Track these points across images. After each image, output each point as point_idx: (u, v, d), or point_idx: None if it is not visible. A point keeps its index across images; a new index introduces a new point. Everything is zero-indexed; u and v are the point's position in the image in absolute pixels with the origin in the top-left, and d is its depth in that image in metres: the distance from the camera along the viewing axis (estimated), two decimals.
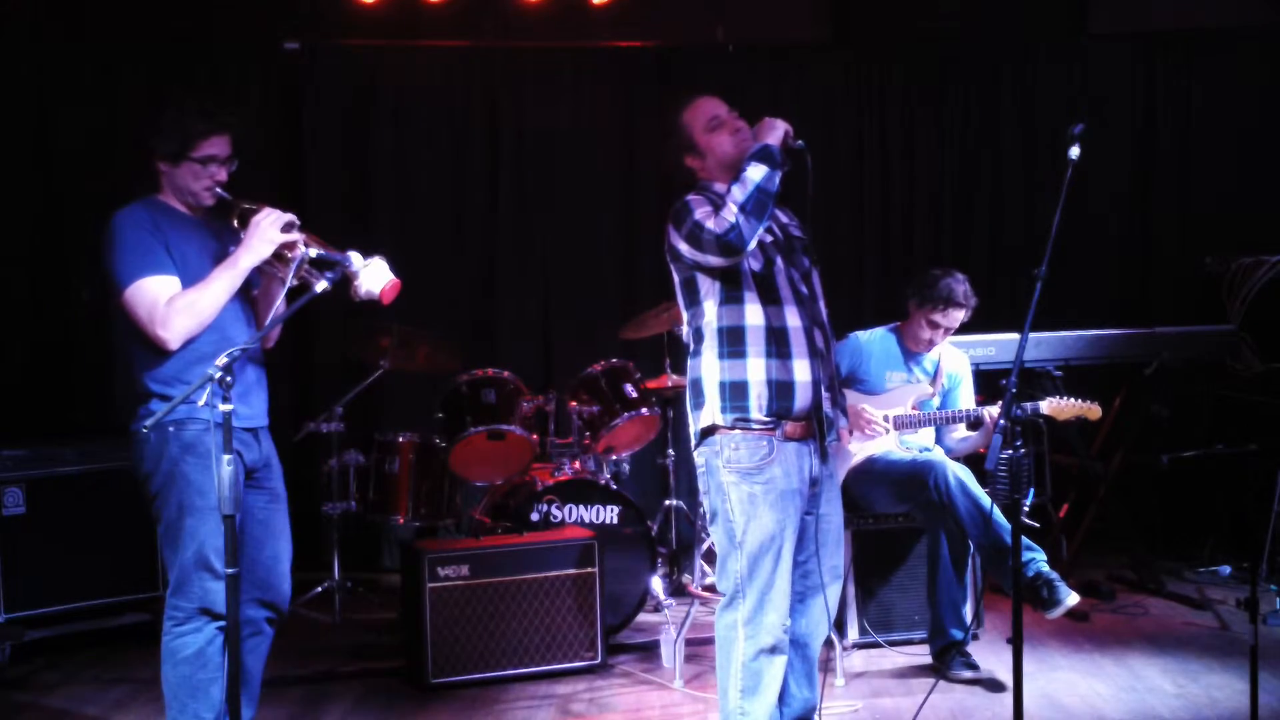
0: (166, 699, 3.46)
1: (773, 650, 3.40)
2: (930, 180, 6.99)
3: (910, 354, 4.97)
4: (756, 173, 3.33)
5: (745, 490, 3.38)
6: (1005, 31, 6.88)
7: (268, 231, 3.43)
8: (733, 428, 3.39)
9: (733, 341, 3.40)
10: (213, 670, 3.43)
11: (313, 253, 3.45)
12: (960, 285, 4.77)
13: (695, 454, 3.51)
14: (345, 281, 3.40)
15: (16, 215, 6.29)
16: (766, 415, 3.38)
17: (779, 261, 3.47)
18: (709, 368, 3.44)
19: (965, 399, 4.98)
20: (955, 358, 5.03)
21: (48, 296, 6.31)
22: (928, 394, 4.92)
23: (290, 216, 3.47)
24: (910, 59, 6.96)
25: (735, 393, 3.39)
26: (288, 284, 3.48)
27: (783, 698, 3.60)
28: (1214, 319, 6.21)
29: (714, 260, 3.36)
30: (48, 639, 5.10)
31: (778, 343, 3.39)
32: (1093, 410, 4.71)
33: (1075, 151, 3.43)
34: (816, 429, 3.45)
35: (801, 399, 3.40)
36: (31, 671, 4.94)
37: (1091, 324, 5.97)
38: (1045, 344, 5.70)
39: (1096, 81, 6.92)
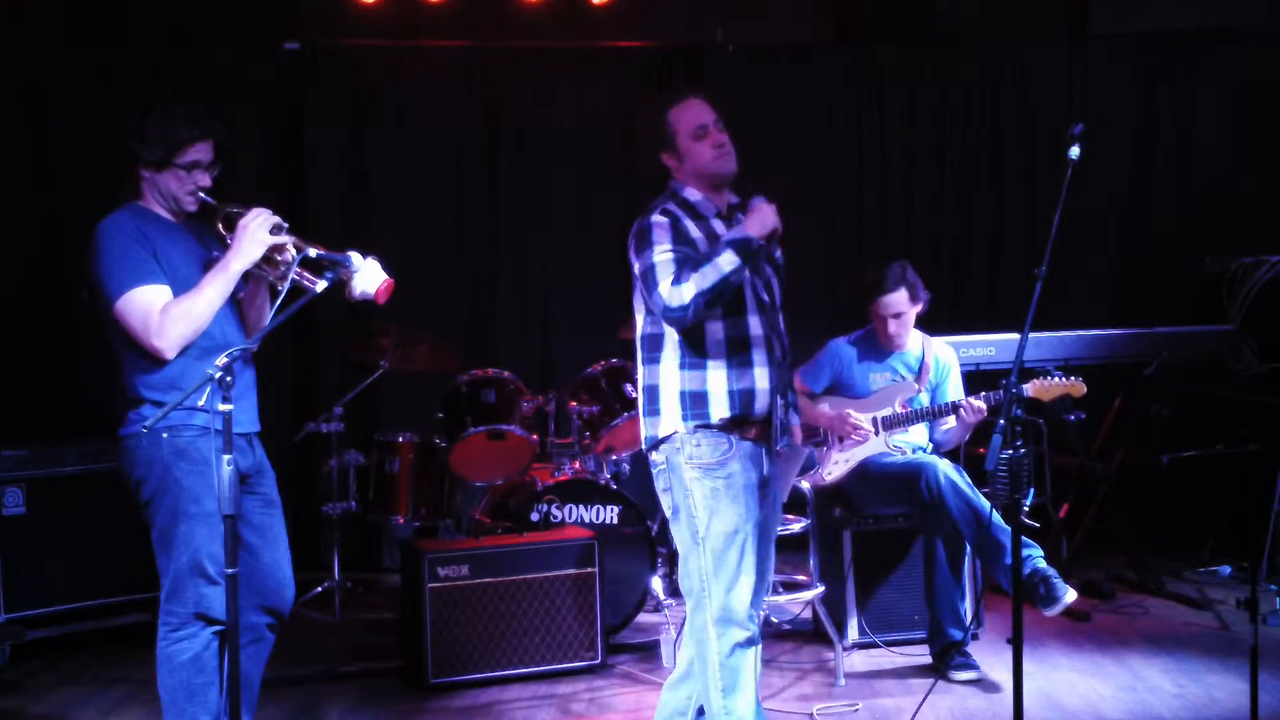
0: (164, 703, 3.45)
1: (747, 643, 3.40)
2: (930, 180, 6.98)
3: (888, 353, 4.97)
4: (728, 263, 3.30)
5: (708, 485, 3.38)
6: (1005, 31, 6.89)
7: (257, 233, 3.40)
8: (694, 433, 3.39)
9: (694, 351, 3.40)
10: (209, 674, 3.42)
11: (313, 253, 3.43)
12: (891, 270, 4.79)
13: (653, 454, 3.49)
14: (340, 283, 3.39)
15: (17, 215, 6.29)
16: (725, 423, 3.38)
17: (745, 270, 3.48)
18: (668, 376, 3.43)
19: (954, 391, 4.98)
20: (941, 351, 5.03)
21: (48, 296, 6.31)
22: (914, 391, 4.92)
23: (277, 218, 3.45)
24: (910, 59, 6.95)
25: (695, 401, 3.39)
26: (286, 286, 3.46)
27: None
28: (1214, 319, 6.21)
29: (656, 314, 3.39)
30: (48, 639, 5.09)
31: (738, 352, 3.39)
32: (1077, 387, 4.68)
33: (1075, 151, 3.44)
34: (770, 434, 3.46)
35: (760, 406, 3.41)
36: (31, 672, 4.94)
37: (1091, 324, 5.96)
38: (1045, 344, 5.69)
39: (1096, 81, 6.91)
